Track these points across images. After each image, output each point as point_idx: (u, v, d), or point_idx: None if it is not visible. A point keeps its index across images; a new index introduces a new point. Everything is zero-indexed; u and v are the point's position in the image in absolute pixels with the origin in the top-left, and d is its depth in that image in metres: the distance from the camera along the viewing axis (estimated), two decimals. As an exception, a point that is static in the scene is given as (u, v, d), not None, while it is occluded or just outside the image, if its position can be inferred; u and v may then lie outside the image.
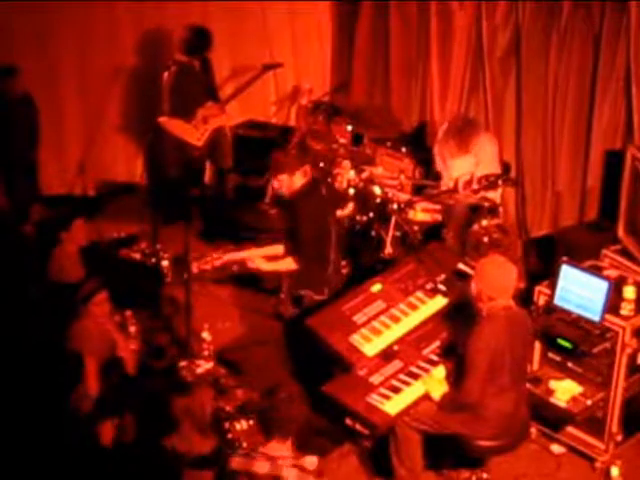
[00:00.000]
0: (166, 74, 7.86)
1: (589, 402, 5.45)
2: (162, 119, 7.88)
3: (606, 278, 5.42)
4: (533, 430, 5.70)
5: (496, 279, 4.98)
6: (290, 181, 5.81)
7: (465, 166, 7.05)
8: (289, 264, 5.84)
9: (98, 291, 5.66)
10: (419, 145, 8.10)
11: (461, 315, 5.47)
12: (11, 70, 7.77)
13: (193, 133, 7.94)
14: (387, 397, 5.17)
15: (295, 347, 5.94)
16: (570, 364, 5.61)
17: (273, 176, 5.91)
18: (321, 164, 7.51)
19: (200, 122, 7.92)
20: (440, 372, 5.31)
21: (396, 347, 5.47)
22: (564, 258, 5.64)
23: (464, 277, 5.82)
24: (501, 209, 7.05)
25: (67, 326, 5.64)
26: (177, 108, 7.86)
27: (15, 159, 7.90)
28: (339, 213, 6.50)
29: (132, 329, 6.12)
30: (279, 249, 5.99)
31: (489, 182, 6.84)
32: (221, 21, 8.92)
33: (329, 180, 7.24)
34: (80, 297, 5.61)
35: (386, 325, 5.55)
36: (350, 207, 6.79)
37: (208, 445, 4.86)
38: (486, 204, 6.85)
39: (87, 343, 5.59)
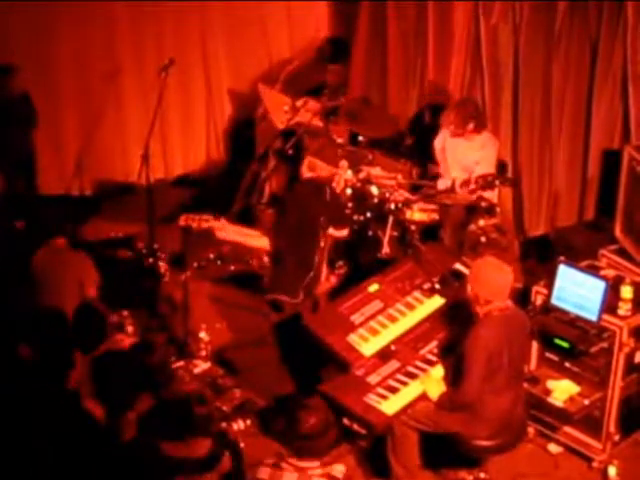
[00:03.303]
0: (309, 57, 8.19)
1: (586, 402, 5.46)
2: (262, 86, 8.07)
3: (603, 278, 5.43)
4: (531, 430, 5.70)
5: (492, 282, 4.97)
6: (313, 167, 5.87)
7: (466, 160, 7.06)
8: (262, 242, 5.81)
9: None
10: (416, 145, 8.11)
11: (458, 315, 5.46)
12: (9, 69, 7.76)
13: (280, 114, 8.01)
14: (384, 397, 5.17)
15: (286, 350, 5.95)
16: (567, 364, 5.61)
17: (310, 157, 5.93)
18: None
19: (293, 109, 7.99)
20: (437, 372, 5.31)
21: (393, 347, 5.47)
22: (561, 258, 5.65)
23: (461, 277, 5.83)
24: (498, 209, 7.05)
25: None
26: (289, 88, 8.07)
27: (13, 158, 7.90)
28: (332, 232, 6.41)
29: (129, 329, 6.11)
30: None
31: (486, 182, 6.84)
32: (219, 22, 8.95)
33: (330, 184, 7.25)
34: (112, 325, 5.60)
35: (383, 325, 5.56)
36: (345, 232, 6.72)
37: (204, 447, 4.85)
38: (483, 204, 6.85)
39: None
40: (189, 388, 5.71)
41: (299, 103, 7.96)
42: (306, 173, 5.86)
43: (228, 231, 5.90)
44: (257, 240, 5.87)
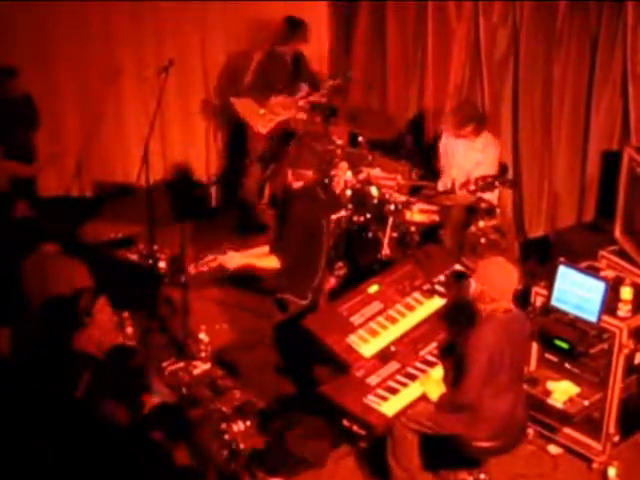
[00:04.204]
0: (257, 55, 8.11)
1: (586, 403, 5.47)
2: (233, 99, 8.12)
3: (603, 279, 5.42)
4: (530, 431, 5.70)
5: (499, 281, 4.97)
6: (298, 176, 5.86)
7: (467, 161, 7.07)
8: (272, 262, 5.84)
9: (98, 297, 5.62)
10: (416, 146, 8.11)
11: (458, 316, 5.47)
12: (11, 71, 7.77)
13: (259, 120, 8.10)
14: (384, 398, 5.17)
15: (286, 351, 5.95)
16: (567, 365, 5.62)
17: (291, 169, 5.93)
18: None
19: (269, 111, 8.01)
20: (437, 373, 5.31)
21: (393, 348, 5.47)
22: (561, 259, 5.64)
23: (461, 278, 5.83)
24: (498, 210, 7.06)
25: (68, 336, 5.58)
26: (254, 90, 8.08)
27: (16, 159, 7.90)
28: (333, 216, 6.52)
29: (129, 330, 6.10)
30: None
31: (486, 183, 6.85)
32: (219, 22, 8.94)
33: (327, 182, 7.25)
34: (83, 309, 5.56)
35: (383, 326, 5.56)
36: (342, 212, 6.81)
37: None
38: (483, 205, 6.86)
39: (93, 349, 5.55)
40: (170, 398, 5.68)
41: (272, 102, 7.99)
42: (295, 184, 5.88)
43: (237, 259, 5.94)
44: (266, 261, 5.90)
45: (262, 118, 8.06)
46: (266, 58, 8.09)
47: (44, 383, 5.06)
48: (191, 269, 6.02)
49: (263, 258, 5.94)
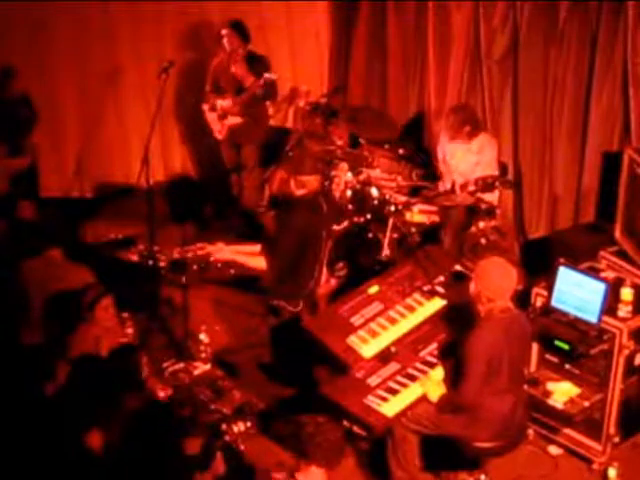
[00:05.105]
0: (214, 61, 8.19)
1: (586, 404, 5.46)
2: (205, 107, 8.20)
3: (603, 280, 5.43)
4: (531, 432, 5.71)
5: (496, 281, 4.97)
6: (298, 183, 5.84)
7: (464, 164, 7.07)
8: (259, 262, 5.82)
9: (103, 296, 5.62)
10: (416, 147, 8.11)
11: (458, 317, 5.47)
12: (10, 72, 7.79)
13: (216, 125, 8.18)
14: (384, 399, 5.17)
15: (286, 352, 5.95)
16: (568, 366, 5.62)
17: (292, 176, 5.91)
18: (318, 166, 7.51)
19: (220, 116, 8.10)
20: (437, 374, 5.31)
21: (393, 349, 5.46)
22: (561, 260, 5.65)
23: (461, 279, 5.83)
24: (498, 211, 7.06)
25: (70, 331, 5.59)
26: (210, 95, 8.17)
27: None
28: (334, 227, 6.49)
29: (129, 331, 6.10)
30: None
31: (486, 184, 6.85)
32: (219, 22, 8.94)
33: (330, 186, 7.25)
34: (85, 303, 5.57)
35: (383, 327, 5.55)
36: (345, 223, 6.81)
37: (195, 446, 4.87)
38: (483, 206, 6.86)
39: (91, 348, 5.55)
40: (163, 395, 5.66)
41: (219, 106, 8.05)
42: (297, 192, 5.84)
43: (225, 252, 5.92)
44: (254, 260, 5.88)
45: (217, 123, 8.12)
46: (219, 63, 8.12)
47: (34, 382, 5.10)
48: (175, 253, 6.00)
49: (251, 257, 5.90)
